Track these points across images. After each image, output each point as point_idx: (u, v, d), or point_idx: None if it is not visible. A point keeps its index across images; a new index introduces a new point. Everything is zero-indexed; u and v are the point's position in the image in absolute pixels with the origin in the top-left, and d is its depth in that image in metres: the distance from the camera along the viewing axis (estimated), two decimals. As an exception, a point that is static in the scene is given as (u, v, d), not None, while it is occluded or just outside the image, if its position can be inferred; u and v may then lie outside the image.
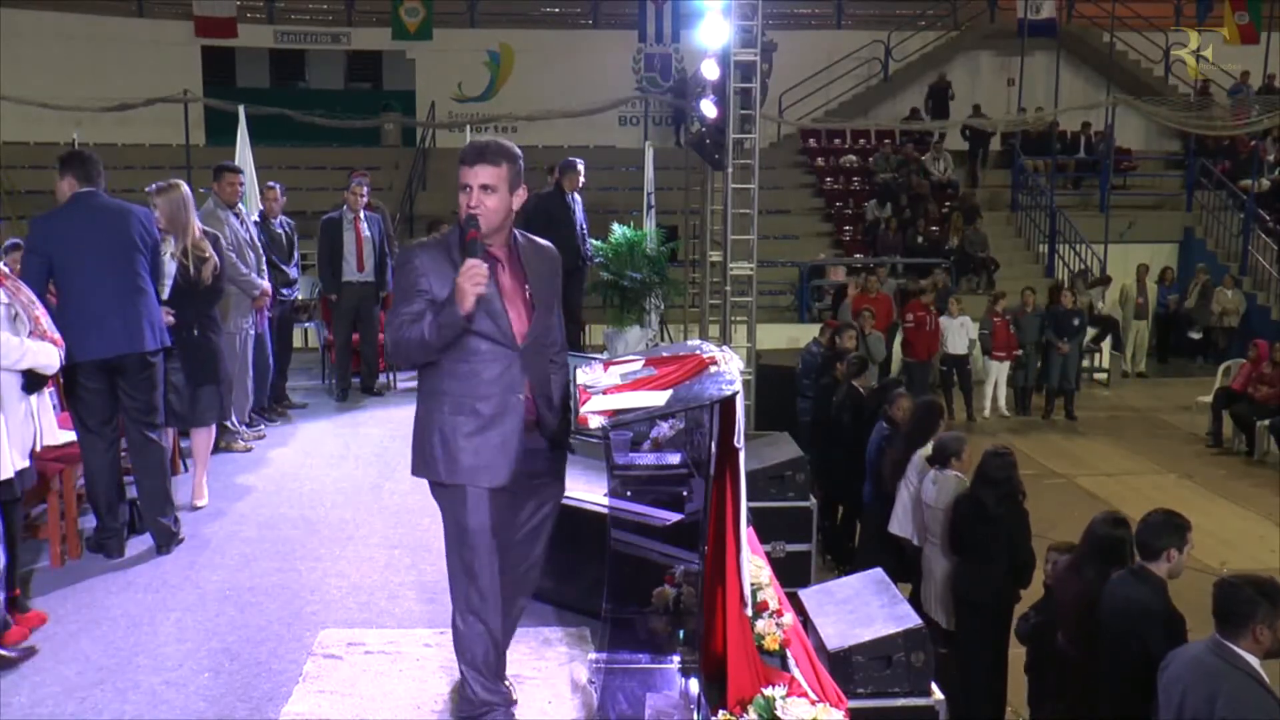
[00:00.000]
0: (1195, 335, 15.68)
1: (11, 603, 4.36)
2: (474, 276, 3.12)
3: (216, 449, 6.88)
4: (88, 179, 5.06)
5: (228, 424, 6.98)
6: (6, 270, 4.49)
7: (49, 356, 4.39)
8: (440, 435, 3.36)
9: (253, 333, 7.22)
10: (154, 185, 5.73)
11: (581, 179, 9.59)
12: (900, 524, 6.33)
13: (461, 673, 3.51)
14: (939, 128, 18.40)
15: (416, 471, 3.45)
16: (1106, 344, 14.73)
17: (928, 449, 6.28)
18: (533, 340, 3.39)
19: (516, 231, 3.46)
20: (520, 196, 3.35)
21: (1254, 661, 3.54)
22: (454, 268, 3.21)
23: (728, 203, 8.33)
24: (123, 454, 5.29)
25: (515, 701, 3.63)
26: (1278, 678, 3.70)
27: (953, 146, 18.70)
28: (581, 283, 9.81)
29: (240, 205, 7.30)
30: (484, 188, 3.26)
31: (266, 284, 7.19)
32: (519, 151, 3.36)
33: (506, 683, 3.64)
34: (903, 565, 6.32)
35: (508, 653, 3.73)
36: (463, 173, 3.28)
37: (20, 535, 4.53)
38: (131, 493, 5.36)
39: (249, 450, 7.06)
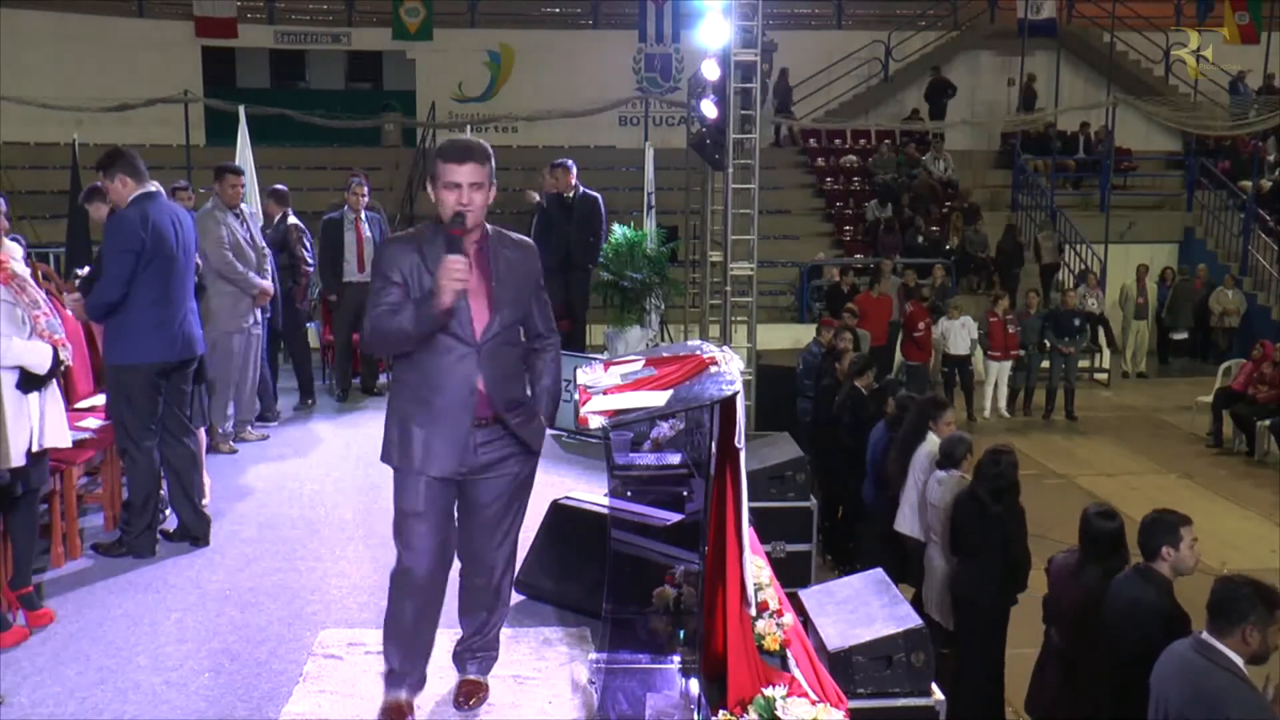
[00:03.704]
0: (1178, 336, 15.64)
1: (24, 599, 4.39)
2: (454, 273, 3.20)
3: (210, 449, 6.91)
4: (140, 177, 5.06)
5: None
6: (15, 270, 4.48)
7: (39, 356, 4.34)
8: (398, 422, 3.48)
9: (259, 333, 7.22)
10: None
11: (574, 176, 9.56)
12: (909, 523, 6.31)
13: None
14: (939, 128, 18.39)
15: (382, 458, 3.55)
16: (1106, 343, 14.72)
17: (933, 446, 6.26)
18: (491, 337, 3.43)
19: (489, 227, 3.51)
20: (493, 194, 3.43)
21: (1238, 661, 3.54)
22: (423, 260, 3.33)
23: (728, 203, 8.31)
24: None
25: (423, 681, 3.67)
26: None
27: (953, 147, 18.69)
28: (586, 284, 9.77)
29: (243, 205, 7.30)
30: (473, 185, 3.33)
31: (265, 283, 7.18)
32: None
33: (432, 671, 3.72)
34: (904, 566, 6.32)
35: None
36: (449, 170, 3.33)
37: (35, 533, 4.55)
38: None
39: (234, 452, 7.04)
